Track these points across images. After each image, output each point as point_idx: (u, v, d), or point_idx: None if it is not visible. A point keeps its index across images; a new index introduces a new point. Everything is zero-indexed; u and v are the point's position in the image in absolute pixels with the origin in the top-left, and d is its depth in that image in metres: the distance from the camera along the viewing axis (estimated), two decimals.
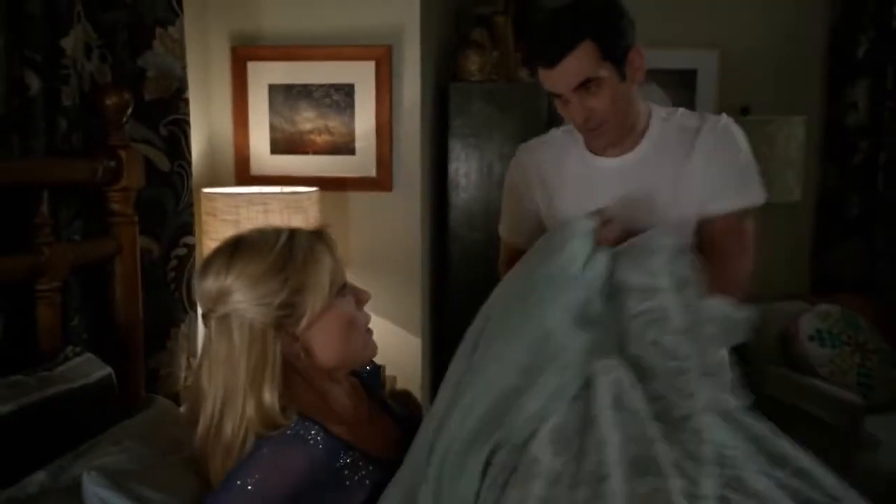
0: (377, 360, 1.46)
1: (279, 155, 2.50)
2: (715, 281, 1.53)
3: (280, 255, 1.20)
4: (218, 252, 1.27)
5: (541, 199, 1.77)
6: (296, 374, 1.26)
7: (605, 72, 1.49)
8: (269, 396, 1.18)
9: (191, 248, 2.10)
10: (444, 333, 2.77)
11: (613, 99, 1.52)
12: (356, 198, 2.47)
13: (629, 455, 1.08)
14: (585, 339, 1.19)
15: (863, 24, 3.15)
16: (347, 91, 2.45)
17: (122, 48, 1.87)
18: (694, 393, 1.20)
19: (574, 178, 1.69)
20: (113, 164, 1.78)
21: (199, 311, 1.28)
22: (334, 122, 2.47)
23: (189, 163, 2.08)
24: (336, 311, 1.24)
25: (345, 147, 2.48)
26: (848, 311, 2.92)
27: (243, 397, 1.18)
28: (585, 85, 1.50)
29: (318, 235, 1.26)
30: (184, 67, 2.03)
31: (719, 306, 1.30)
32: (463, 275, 2.73)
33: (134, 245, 1.86)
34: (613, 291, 1.28)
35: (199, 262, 2.16)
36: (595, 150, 1.64)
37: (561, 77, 1.51)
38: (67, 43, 1.66)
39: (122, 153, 1.79)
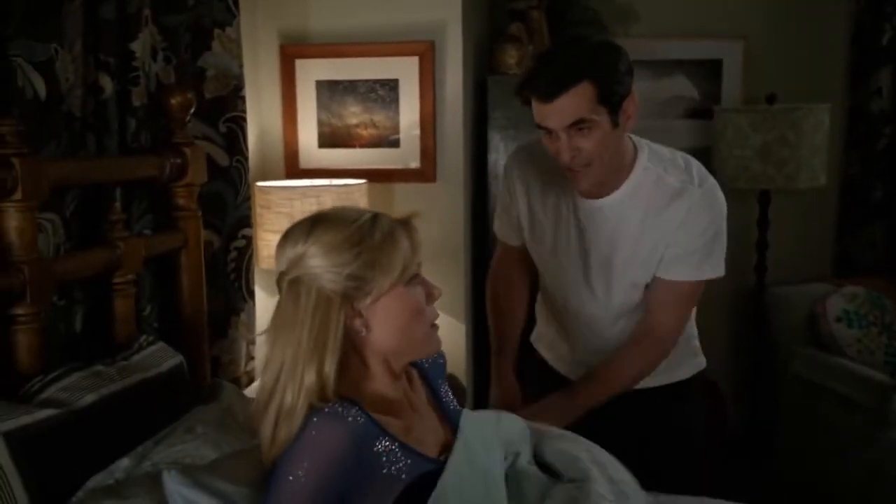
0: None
1: (326, 149, 2.49)
2: (639, 330, 1.66)
3: (359, 229, 1.18)
4: (301, 221, 1.25)
5: (521, 215, 1.75)
6: (353, 352, 1.22)
7: (599, 115, 1.45)
8: (329, 366, 1.15)
9: (248, 240, 2.11)
10: (485, 320, 2.76)
11: (602, 143, 1.48)
12: (401, 189, 2.46)
13: None
14: None
15: (886, 11, 3.08)
16: (392, 86, 2.44)
17: (185, 49, 1.87)
18: None
19: (552, 207, 1.67)
20: (179, 161, 1.78)
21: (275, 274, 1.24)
22: (379, 116, 2.46)
23: (246, 158, 2.08)
24: (404, 296, 1.20)
25: (389, 140, 2.46)
26: (874, 293, 2.88)
27: (304, 364, 1.14)
28: (577, 124, 1.45)
29: (402, 222, 1.22)
30: (241, 66, 2.03)
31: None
32: None
33: (198, 238, 1.87)
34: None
35: (255, 254, 2.17)
36: (581, 190, 1.59)
37: (556, 113, 1.45)
38: (137, 46, 1.67)
39: (187, 150, 1.80)
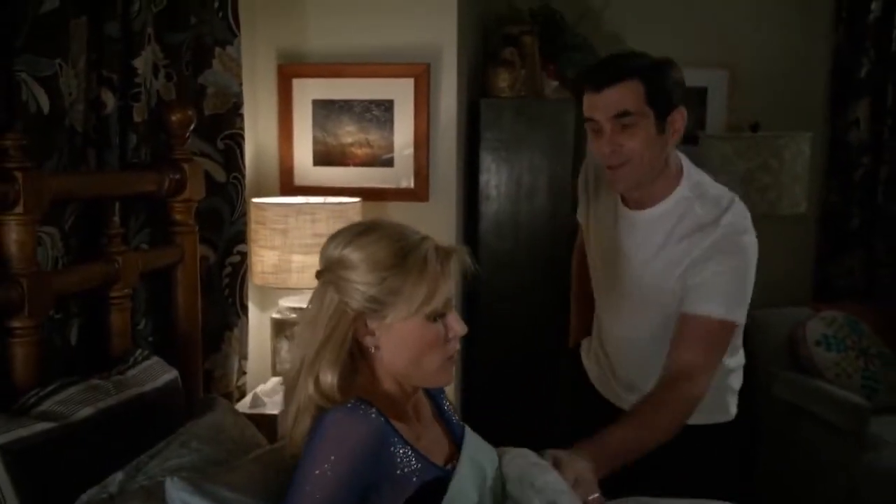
0: None
1: (321, 166, 2.49)
2: (670, 368, 1.53)
3: (397, 252, 1.17)
4: (355, 224, 1.26)
5: (581, 215, 1.83)
6: (365, 363, 1.23)
7: (645, 114, 1.48)
8: (330, 376, 1.16)
9: (243, 256, 2.10)
10: (476, 336, 2.77)
11: (644, 145, 1.49)
12: (394, 207, 2.47)
13: None
14: None
15: (864, 46, 3.16)
16: (387, 106, 2.45)
17: (186, 67, 1.87)
18: None
19: (603, 212, 1.72)
20: (177, 176, 1.78)
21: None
22: (374, 136, 2.47)
23: (243, 175, 2.08)
24: (421, 328, 1.18)
25: (383, 159, 2.47)
26: (851, 318, 2.92)
27: (315, 363, 1.17)
28: (622, 117, 1.48)
29: (445, 252, 1.20)
30: (240, 84, 2.04)
31: None
32: (493, 281, 2.72)
33: (195, 253, 1.86)
34: None
35: (250, 270, 2.17)
36: (617, 191, 1.62)
37: (603, 102, 1.49)
38: (139, 63, 1.67)
39: (186, 166, 1.79)
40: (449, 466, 1.24)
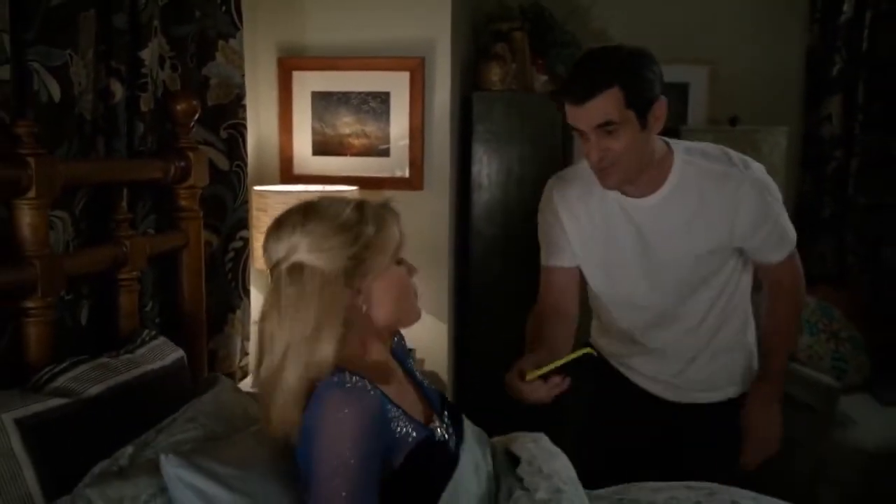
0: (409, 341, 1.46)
1: (320, 156, 2.49)
2: (779, 310, 1.75)
3: (351, 215, 1.20)
4: (291, 212, 1.24)
5: (570, 234, 1.69)
6: (352, 334, 1.22)
7: (626, 118, 1.46)
8: (330, 346, 1.15)
9: (246, 241, 2.10)
10: (467, 320, 2.78)
11: (630, 144, 1.48)
12: (390, 196, 2.46)
13: None
14: None
15: (836, 46, 3.17)
16: (383, 98, 2.45)
17: (191, 59, 1.86)
18: None
19: (600, 214, 1.65)
20: (182, 164, 1.78)
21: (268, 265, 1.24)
22: (371, 127, 2.47)
23: (245, 163, 2.08)
24: (396, 273, 1.24)
25: (380, 149, 2.47)
26: (823, 303, 2.95)
27: (308, 344, 1.15)
28: (605, 126, 1.46)
29: (384, 206, 1.26)
30: (242, 76, 2.03)
31: None
32: (483, 267, 2.73)
33: (199, 238, 1.86)
34: None
35: (252, 255, 2.17)
36: (609, 188, 1.58)
37: (585, 115, 1.47)
38: (146, 54, 1.66)
39: (191, 154, 1.79)
40: (433, 426, 1.26)
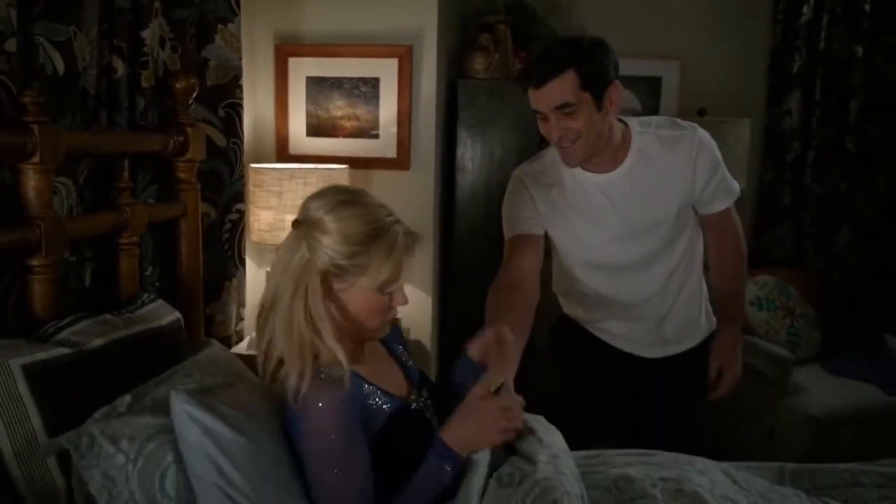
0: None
1: (313, 137, 2.49)
2: (728, 257, 1.80)
3: (370, 232, 1.16)
4: (339, 189, 1.22)
5: (540, 202, 1.67)
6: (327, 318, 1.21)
7: (583, 99, 1.49)
8: (301, 310, 1.15)
9: (241, 214, 2.10)
10: (450, 293, 2.80)
11: (588, 123, 1.51)
12: (379, 175, 2.48)
13: None
14: None
15: (797, 45, 3.18)
16: (373, 84, 2.45)
17: (190, 40, 1.86)
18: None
19: (570, 192, 1.66)
20: (181, 138, 1.78)
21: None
22: (361, 110, 2.47)
23: (242, 140, 2.08)
24: (370, 300, 1.19)
25: (370, 132, 2.47)
26: (781, 282, 2.99)
27: (287, 306, 1.16)
28: (563, 107, 1.49)
29: (409, 237, 1.20)
30: (240, 58, 2.02)
31: None
32: (466, 244, 2.74)
33: (196, 209, 1.87)
34: None
35: (247, 227, 2.17)
36: (572, 166, 1.60)
37: (544, 97, 1.50)
38: (147, 34, 1.65)
39: (189, 129, 1.79)
40: (410, 399, 1.28)
